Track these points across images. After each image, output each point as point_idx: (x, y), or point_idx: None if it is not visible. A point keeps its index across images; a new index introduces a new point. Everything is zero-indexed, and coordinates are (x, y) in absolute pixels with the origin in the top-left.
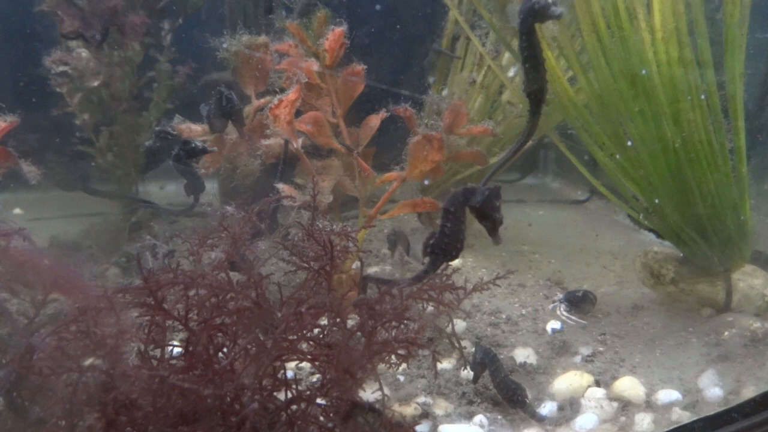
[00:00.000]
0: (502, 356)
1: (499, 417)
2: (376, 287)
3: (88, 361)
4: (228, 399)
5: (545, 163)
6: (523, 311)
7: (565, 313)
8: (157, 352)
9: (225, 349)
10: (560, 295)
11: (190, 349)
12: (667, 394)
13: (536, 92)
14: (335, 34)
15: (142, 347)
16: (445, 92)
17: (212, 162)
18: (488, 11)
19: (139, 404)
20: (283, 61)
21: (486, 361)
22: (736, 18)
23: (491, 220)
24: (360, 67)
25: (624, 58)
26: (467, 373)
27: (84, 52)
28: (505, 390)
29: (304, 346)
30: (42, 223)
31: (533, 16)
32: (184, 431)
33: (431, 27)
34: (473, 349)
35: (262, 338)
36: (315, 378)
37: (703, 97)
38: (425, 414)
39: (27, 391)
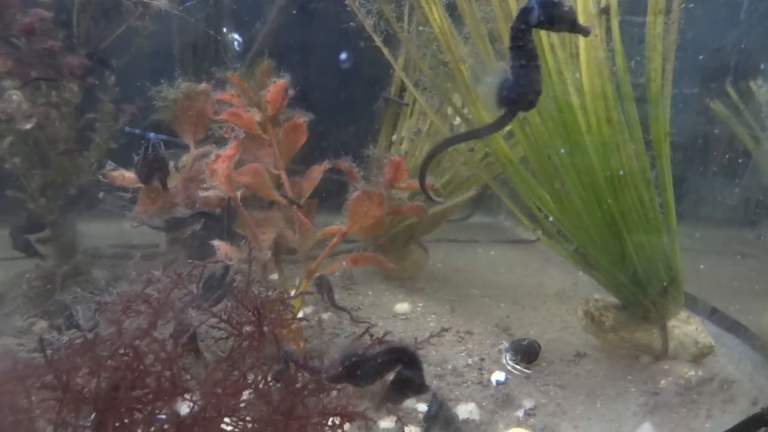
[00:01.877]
0: (442, 413)
1: None
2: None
3: None
4: None
5: (498, 202)
6: (470, 360)
7: (510, 363)
8: None
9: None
10: (506, 344)
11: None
12: None
13: (533, 95)
14: (277, 86)
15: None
16: (394, 137)
17: (146, 212)
18: (429, 68)
19: None
20: (224, 111)
21: (440, 413)
22: (658, 83)
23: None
24: (302, 120)
25: (558, 117)
26: (411, 431)
27: (15, 95)
28: None
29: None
30: None
31: (549, 16)
32: None
33: (381, 74)
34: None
35: (180, 417)
36: None
37: (632, 157)
38: None
39: None
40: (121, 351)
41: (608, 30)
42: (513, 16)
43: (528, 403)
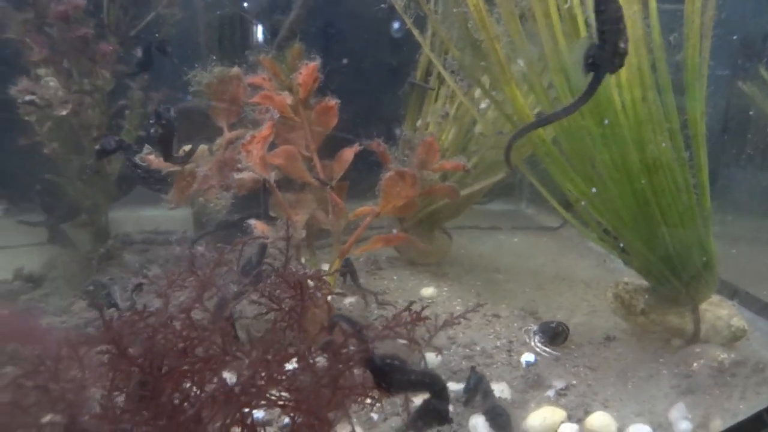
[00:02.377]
0: None
1: None
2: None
3: (47, 418)
4: None
5: (520, 189)
6: (498, 343)
7: (539, 345)
8: (120, 399)
9: (192, 397)
10: (534, 326)
11: (154, 398)
12: (638, 429)
13: (618, 56)
14: (309, 69)
15: (104, 395)
16: (419, 123)
17: (181, 195)
18: (458, 49)
19: None
20: (257, 94)
21: (479, 386)
22: (695, 60)
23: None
24: (333, 102)
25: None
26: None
27: (52, 81)
28: (494, 416)
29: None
30: (5, 253)
31: None
32: None
33: (407, 58)
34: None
35: (229, 385)
36: (286, 420)
37: (666, 137)
38: None
39: None
40: (171, 321)
41: (645, 4)
42: None
43: (558, 384)
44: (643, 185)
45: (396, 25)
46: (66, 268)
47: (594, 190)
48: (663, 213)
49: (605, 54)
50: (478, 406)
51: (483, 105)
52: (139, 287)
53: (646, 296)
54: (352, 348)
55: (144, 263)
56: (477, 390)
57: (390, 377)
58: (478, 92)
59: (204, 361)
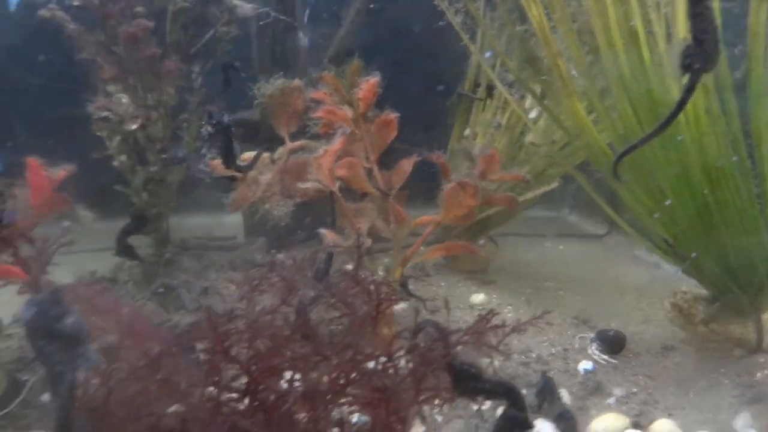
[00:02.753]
0: (532, 397)
1: None
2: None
3: (170, 408)
4: None
5: (562, 196)
6: (553, 350)
7: (597, 353)
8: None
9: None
10: (591, 334)
11: (251, 394)
12: None
13: (712, 55)
14: (369, 84)
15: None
16: (467, 132)
17: (243, 200)
18: (511, 60)
19: None
20: (320, 108)
21: (548, 390)
22: (759, 71)
23: None
24: (393, 116)
25: (651, 108)
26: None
27: (124, 98)
28: (563, 420)
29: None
30: (74, 257)
31: None
32: None
33: (455, 71)
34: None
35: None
36: (356, 417)
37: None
38: None
39: None
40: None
41: None
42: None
43: (618, 392)
44: (706, 195)
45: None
46: (132, 273)
47: (668, 202)
48: (726, 223)
49: (703, 54)
50: (546, 410)
51: (533, 114)
52: (205, 290)
53: (706, 306)
54: (436, 351)
55: (202, 268)
56: (545, 391)
57: (469, 383)
58: (527, 102)
59: (295, 360)
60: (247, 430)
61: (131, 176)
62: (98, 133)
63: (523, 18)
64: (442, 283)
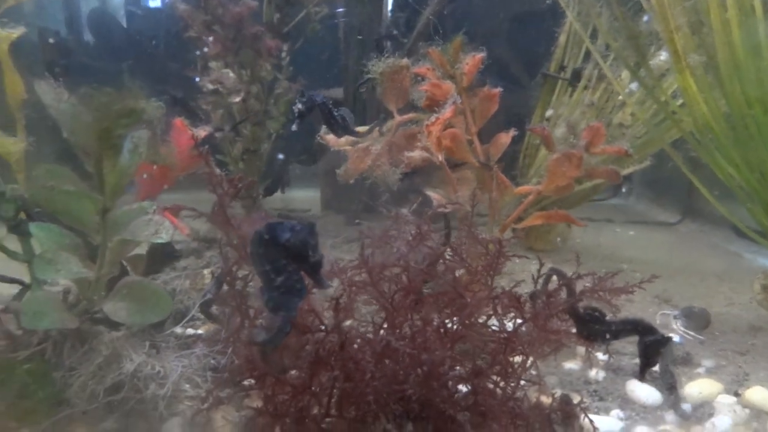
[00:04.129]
0: (624, 363)
1: (632, 414)
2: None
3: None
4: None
5: (629, 184)
6: None
7: (682, 328)
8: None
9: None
10: (675, 311)
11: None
12: None
13: None
14: (474, 59)
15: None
16: (549, 113)
17: (355, 169)
18: (613, 38)
19: (364, 365)
20: (426, 83)
21: (661, 345)
22: None
23: None
24: (496, 90)
25: (759, 85)
26: (595, 374)
27: (230, 73)
28: (667, 376)
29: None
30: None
31: None
32: (398, 388)
33: (540, 51)
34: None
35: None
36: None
37: None
38: None
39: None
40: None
41: None
42: None
43: (708, 363)
44: None
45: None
46: None
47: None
48: None
49: None
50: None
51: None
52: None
53: None
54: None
55: None
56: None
57: (592, 327)
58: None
59: (440, 297)
60: (397, 349)
61: (230, 147)
62: (204, 106)
63: None
64: (516, 260)
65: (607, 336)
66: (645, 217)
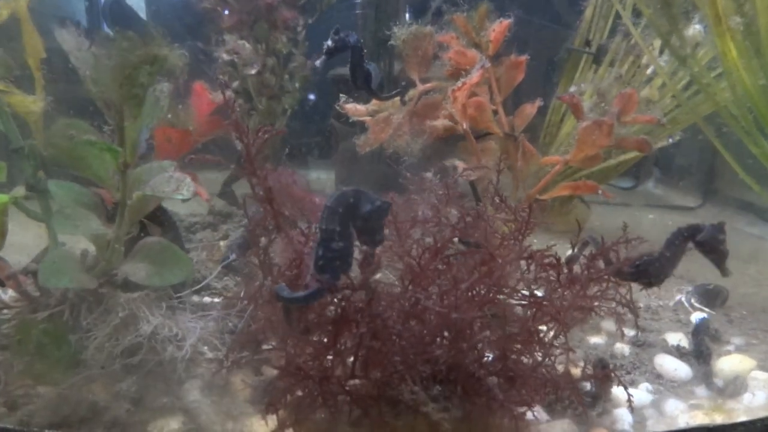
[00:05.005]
0: (650, 339)
1: (660, 387)
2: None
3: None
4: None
5: (648, 169)
6: (661, 303)
7: (696, 305)
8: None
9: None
10: (690, 288)
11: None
12: None
13: None
14: (501, 26)
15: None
16: (572, 89)
17: (375, 139)
18: (648, 7)
19: (391, 323)
20: (450, 50)
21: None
22: None
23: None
24: (522, 58)
25: None
26: (621, 347)
27: (247, 44)
28: (701, 346)
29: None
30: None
31: None
32: (426, 349)
33: (564, 26)
34: None
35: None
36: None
37: None
38: None
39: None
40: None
41: None
42: None
43: (737, 341)
44: None
45: None
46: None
47: None
48: None
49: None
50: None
51: (657, 65)
52: None
53: None
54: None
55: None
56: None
57: (652, 269)
58: (647, 58)
59: (470, 255)
60: (426, 309)
61: (246, 120)
62: (219, 77)
63: None
64: (535, 240)
65: (668, 266)
66: (662, 202)
